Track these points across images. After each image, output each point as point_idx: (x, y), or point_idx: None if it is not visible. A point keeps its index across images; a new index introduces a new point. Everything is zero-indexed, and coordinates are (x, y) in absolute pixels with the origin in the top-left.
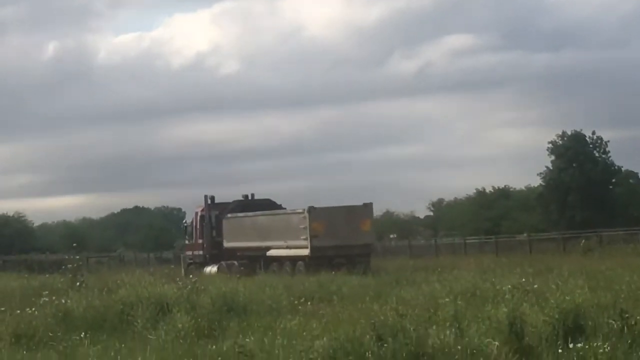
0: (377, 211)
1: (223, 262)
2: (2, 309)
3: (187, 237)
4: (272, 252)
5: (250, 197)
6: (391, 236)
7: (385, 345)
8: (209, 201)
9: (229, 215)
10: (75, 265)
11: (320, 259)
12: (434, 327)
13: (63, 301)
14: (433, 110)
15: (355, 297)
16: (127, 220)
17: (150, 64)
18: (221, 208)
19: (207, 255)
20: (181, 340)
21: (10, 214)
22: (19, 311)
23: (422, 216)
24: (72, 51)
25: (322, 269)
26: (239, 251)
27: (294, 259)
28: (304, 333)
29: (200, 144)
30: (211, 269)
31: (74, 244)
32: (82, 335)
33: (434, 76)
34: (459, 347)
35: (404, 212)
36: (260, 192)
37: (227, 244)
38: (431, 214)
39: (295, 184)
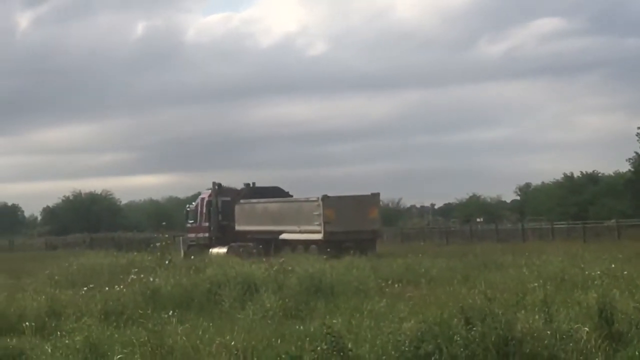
0: (464, 194)
1: (234, 244)
2: (92, 286)
3: (190, 220)
4: (285, 236)
5: (252, 185)
6: (478, 220)
7: (473, 329)
8: (217, 187)
9: (241, 201)
10: (163, 243)
11: (332, 243)
12: (523, 311)
13: (151, 279)
14: (520, 94)
15: (443, 280)
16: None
17: (239, 44)
18: (228, 194)
19: (213, 238)
20: (269, 320)
21: (98, 192)
22: (107, 288)
23: (508, 200)
24: (160, 31)
25: (333, 252)
26: (250, 234)
27: (306, 243)
28: (391, 315)
29: (287, 124)
30: (219, 250)
31: (163, 223)
32: (170, 314)
33: (522, 60)
34: (548, 332)
35: (491, 195)
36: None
37: (238, 227)
38: (518, 198)
39: (380, 166)
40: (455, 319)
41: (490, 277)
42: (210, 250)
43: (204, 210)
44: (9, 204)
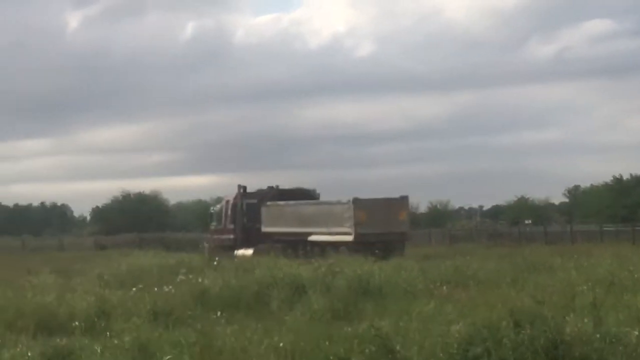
0: (512, 196)
1: (261, 245)
2: (140, 286)
3: (213, 222)
4: (314, 238)
5: (276, 187)
6: (526, 222)
7: (522, 332)
8: (242, 190)
9: (268, 203)
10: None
11: (362, 245)
12: (572, 314)
13: (200, 280)
14: (570, 96)
15: (491, 283)
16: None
17: (288, 45)
18: (253, 196)
19: (238, 240)
20: (317, 322)
21: (147, 192)
22: (156, 289)
23: (557, 202)
24: (210, 31)
25: (363, 254)
26: (277, 236)
27: (336, 244)
28: (440, 317)
29: (334, 125)
30: (244, 251)
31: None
32: (218, 314)
33: (572, 61)
34: (597, 335)
35: (539, 198)
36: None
37: (265, 229)
38: (567, 200)
39: (428, 167)
40: (504, 322)
41: (539, 279)
42: (236, 251)
43: (229, 213)
44: (59, 203)
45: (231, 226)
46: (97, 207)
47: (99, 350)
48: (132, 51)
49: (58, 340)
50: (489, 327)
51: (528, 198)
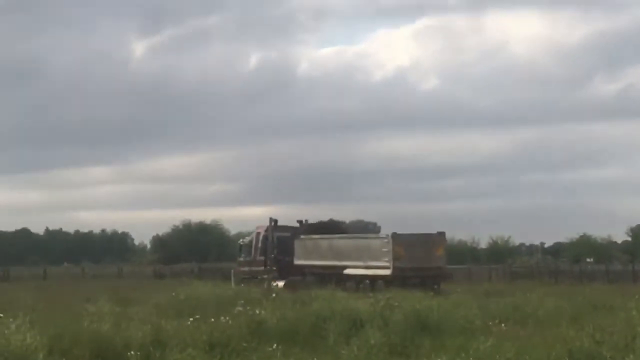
0: (574, 234)
1: (292, 277)
2: (198, 316)
3: (242, 254)
4: (349, 271)
5: (306, 222)
6: (587, 260)
7: None
8: (273, 223)
9: (302, 236)
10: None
11: (400, 279)
12: (631, 355)
13: (257, 311)
14: (634, 133)
15: (550, 321)
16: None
17: (351, 77)
18: (284, 230)
19: (269, 271)
20: (373, 357)
21: (208, 221)
22: (213, 319)
23: (619, 241)
24: (274, 62)
25: (400, 288)
26: (308, 269)
27: (372, 278)
28: (498, 355)
29: (395, 159)
30: (276, 283)
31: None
32: (274, 347)
33: (636, 99)
34: None
35: (602, 236)
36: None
37: (297, 262)
38: (629, 239)
39: (489, 203)
40: None
41: (599, 319)
42: (266, 283)
43: (259, 245)
44: (120, 231)
45: (261, 258)
46: (157, 235)
47: None
48: (196, 81)
49: None
50: None
51: (590, 236)
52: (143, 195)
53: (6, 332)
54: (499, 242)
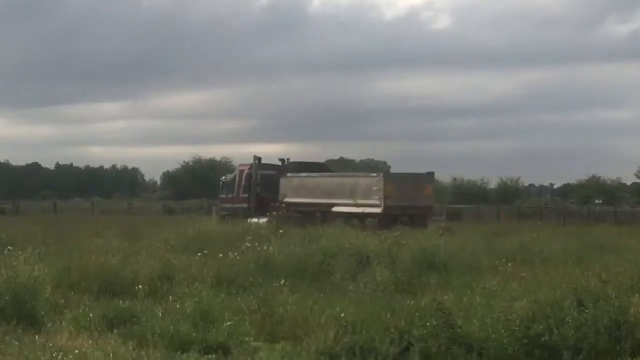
0: (583, 175)
1: (276, 214)
2: (205, 252)
3: (224, 191)
4: (337, 209)
5: (287, 160)
6: (596, 201)
7: (585, 311)
8: (257, 161)
9: (288, 174)
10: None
11: (389, 217)
12: (637, 295)
13: (265, 248)
14: None
15: (557, 261)
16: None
17: (363, 15)
18: (267, 168)
19: (252, 209)
20: (379, 294)
21: (218, 158)
22: (221, 255)
23: (629, 183)
24: None
25: (389, 225)
26: (296, 206)
27: (362, 216)
28: (503, 294)
29: (406, 98)
30: (258, 220)
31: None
32: (281, 283)
33: None
34: None
35: (611, 177)
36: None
37: (283, 199)
38: (639, 181)
39: (499, 143)
40: (568, 301)
41: (606, 259)
42: (249, 219)
43: (243, 182)
44: (130, 167)
45: (245, 195)
46: (168, 171)
47: (160, 314)
48: (207, 17)
49: (120, 302)
50: (552, 305)
51: (599, 177)
52: (154, 131)
53: (15, 264)
54: (508, 182)
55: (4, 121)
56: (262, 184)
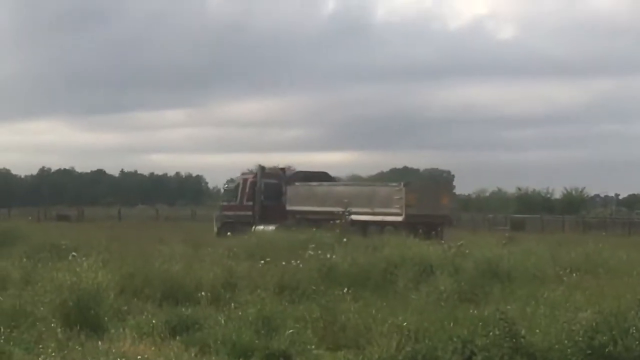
0: None
1: (285, 222)
2: (268, 259)
3: (227, 199)
4: (353, 217)
5: (286, 170)
6: None
7: None
8: (261, 169)
9: (296, 183)
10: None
11: (410, 225)
12: None
13: (328, 256)
14: None
15: (621, 272)
16: (395, 180)
17: (428, 25)
18: (270, 176)
19: (256, 216)
20: (442, 303)
21: (282, 166)
22: (284, 263)
23: None
24: (351, 8)
25: (409, 234)
26: (304, 214)
27: (381, 224)
28: (567, 304)
29: (470, 107)
30: (265, 227)
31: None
32: (344, 291)
33: None
34: None
35: None
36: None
37: (290, 207)
38: None
39: (564, 153)
40: (632, 312)
41: None
42: (254, 227)
43: (247, 190)
44: (194, 174)
45: (249, 203)
46: (232, 179)
47: (222, 321)
48: (272, 26)
49: (183, 309)
50: (616, 316)
51: None
52: (218, 138)
53: (78, 270)
54: (573, 192)
55: (69, 128)
56: (266, 193)
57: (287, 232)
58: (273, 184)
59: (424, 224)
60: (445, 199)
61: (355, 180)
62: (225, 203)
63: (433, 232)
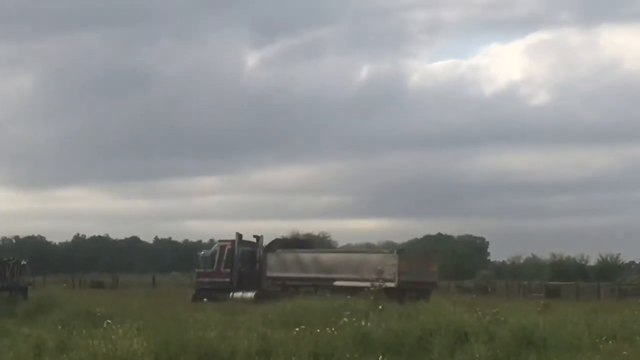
0: None
1: (265, 290)
2: (303, 327)
3: (202, 266)
4: (340, 283)
5: (260, 238)
6: None
7: None
8: (239, 238)
9: (277, 250)
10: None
11: (401, 291)
12: None
13: (363, 323)
14: None
15: None
16: (430, 247)
17: (462, 91)
18: (246, 245)
19: (234, 283)
20: None
21: (316, 233)
22: (319, 330)
23: None
24: (385, 74)
25: (399, 299)
26: (286, 280)
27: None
28: None
29: (505, 174)
30: (243, 294)
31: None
32: (379, 359)
33: None
34: None
35: None
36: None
37: (271, 274)
38: None
39: (599, 219)
40: None
41: None
42: (232, 294)
43: (224, 258)
44: None
45: (227, 270)
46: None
47: None
48: (307, 93)
49: None
50: None
51: None
52: (251, 205)
53: (113, 337)
54: (608, 259)
55: (103, 195)
56: (243, 260)
57: (322, 299)
58: (249, 252)
59: (413, 290)
60: (433, 267)
61: (346, 248)
62: (201, 270)
63: (425, 297)
